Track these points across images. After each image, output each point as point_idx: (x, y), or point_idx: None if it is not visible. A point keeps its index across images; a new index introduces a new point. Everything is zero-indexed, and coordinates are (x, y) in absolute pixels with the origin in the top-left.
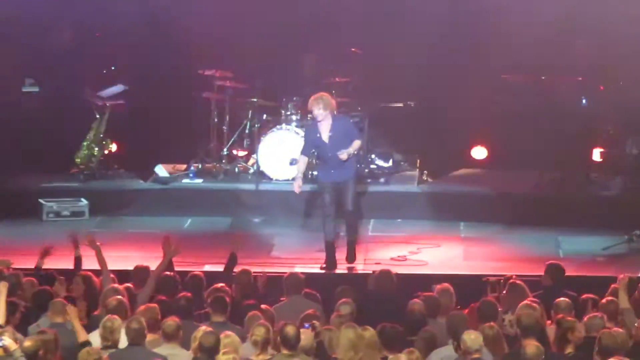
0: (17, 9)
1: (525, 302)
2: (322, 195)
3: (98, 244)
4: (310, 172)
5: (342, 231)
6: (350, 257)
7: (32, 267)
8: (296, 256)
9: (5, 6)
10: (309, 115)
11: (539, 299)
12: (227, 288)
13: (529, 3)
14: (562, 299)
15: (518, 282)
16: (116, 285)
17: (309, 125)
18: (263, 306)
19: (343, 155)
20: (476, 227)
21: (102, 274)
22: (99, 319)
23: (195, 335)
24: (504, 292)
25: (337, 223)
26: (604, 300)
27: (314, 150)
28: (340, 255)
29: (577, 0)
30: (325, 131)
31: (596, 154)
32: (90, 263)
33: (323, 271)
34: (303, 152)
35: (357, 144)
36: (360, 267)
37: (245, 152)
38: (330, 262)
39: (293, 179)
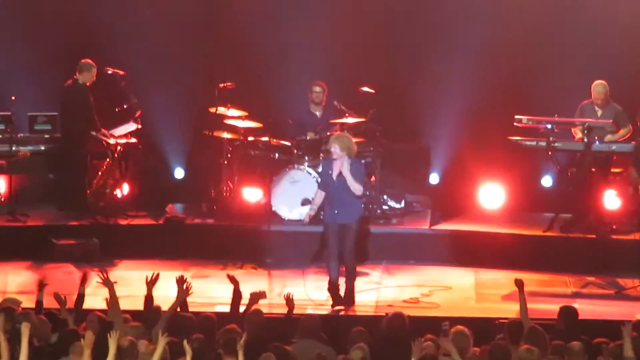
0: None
1: (524, 346)
2: (327, 235)
3: (113, 282)
4: (322, 213)
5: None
6: (349, 302)
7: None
8: (304, 297)
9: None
10: (321, 154)
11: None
12: (238, 329)
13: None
14: (574, 342)
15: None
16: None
17: (326, 160)
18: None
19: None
20: (490, 270)
21: (111, 312)
22: None
23: None
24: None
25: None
26: (611, 345)
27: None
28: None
29: None
30: (336, 170)
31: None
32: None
33: (331, 311)
34: (320, 187)
35: (358, 188)
36: (372, 310)
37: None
38: (336, 301)
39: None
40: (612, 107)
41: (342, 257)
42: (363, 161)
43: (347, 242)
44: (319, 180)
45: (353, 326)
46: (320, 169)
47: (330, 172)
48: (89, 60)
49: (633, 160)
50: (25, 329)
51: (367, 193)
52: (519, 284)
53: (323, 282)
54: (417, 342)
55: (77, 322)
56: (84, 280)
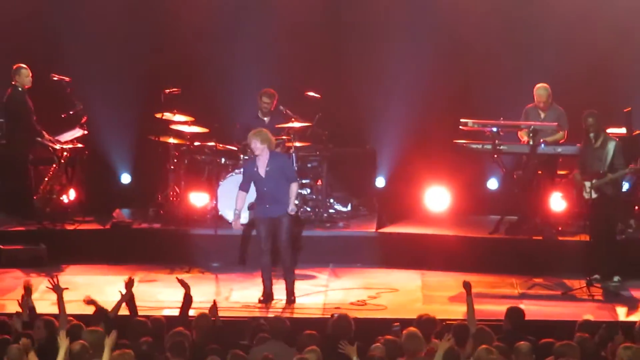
0: None
1: (483, 346)
2: (258, 230)
3: (63, 288)
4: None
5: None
6: (289, 297)
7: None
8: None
9: None
10: (241, 156)
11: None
12: (187, 332)
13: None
14: (522, 342)
15: (484, 327)
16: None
17: (247, 160)
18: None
19: (292, 211)
20: (436, 272)
21: (59, 317)
22: None
23: None
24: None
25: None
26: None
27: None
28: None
29: None
30: (262, 166)
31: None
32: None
33: (260, 305)
34: (241, 188)
35: (294, 188)
36: (320, 312)
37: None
38: (267, 295)
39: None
40: (554, 108)
41: (278, 252)
42: (309, 165)
43: (281, 235)
44: (241, 181)
45: (301, 329)
46: (243, 170)
47: (255, 169)
48: (20, 64)
49: (579, 163)
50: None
51: (313, 197)
52: (467, 286)
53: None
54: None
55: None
56: (28, 292)
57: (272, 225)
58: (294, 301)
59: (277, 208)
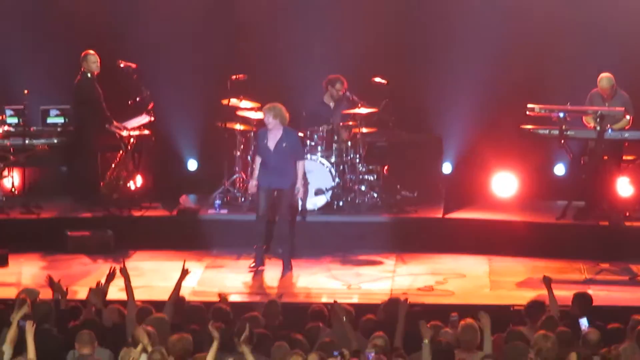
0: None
1: (541, 332)
2: (259, 197)
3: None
4: (336, 202)
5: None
6: (285, 271)
7: (59, 298)
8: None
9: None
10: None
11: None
12: (259, 316)
13: None
14: (591, 331)
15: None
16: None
17: (260, 131)
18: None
19: (299, 193)
20: (503, 257)
21: (127, 303)
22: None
23: None
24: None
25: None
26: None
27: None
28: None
29: None
30: (273, 140)
31: None
32: None
33: (251, 272)
34: (257, 153)
35: (301, 166)
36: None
37: None
38: (258, 261)
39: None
40: (619, 96)
41: (275, 223)
42: (376, 151)
43: (281, 207)
44: (256, 147)
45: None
46: (256, 140)
47: (265, 141)
48: (89, 51)
49: None
50: (29, 326)
51: (380, 182)
52: (547, 282)
53: (340, 270)
54: (422, 324)
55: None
56: (110, 278)
57: (272, 196)
58: (291, 268)
59: (281, 180)
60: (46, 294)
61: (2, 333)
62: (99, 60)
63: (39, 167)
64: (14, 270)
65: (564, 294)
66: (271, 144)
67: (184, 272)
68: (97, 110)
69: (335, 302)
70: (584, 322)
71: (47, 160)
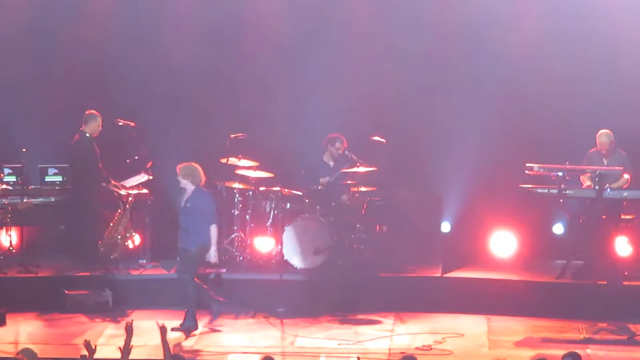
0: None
1: None
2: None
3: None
4: (334, 261)
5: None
6: (185, 323)
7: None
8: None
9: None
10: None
11: None
12: None
13: None
14: None
15: None
16: None
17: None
18: None
19: (209, 258)
20: (502, 317)
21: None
22: None
23: None
24: None
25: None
26: None
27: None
28: None
29: None
30: (184, 199)
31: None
32: None
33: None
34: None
35: (213, 231)
36: (385, 357)
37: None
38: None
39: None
40: (617, 153)
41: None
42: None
43: (181, 265)
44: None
45: None
46: None
47: (180, 200)
48: (93, 111)
49: None
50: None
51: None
52: None
53: (338, 330)
54: None
55: None
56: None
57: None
58: (196, 327)
59: (186, 240)
60: (44, 353)
61: None
62: (101, 122)
63: (37, 225)
64: (11, 330)
65: (563, 353)
66: (182, 203)
67: (162, 330)
68: (93, 170)
69: None
70: None
71: (45, 219)
